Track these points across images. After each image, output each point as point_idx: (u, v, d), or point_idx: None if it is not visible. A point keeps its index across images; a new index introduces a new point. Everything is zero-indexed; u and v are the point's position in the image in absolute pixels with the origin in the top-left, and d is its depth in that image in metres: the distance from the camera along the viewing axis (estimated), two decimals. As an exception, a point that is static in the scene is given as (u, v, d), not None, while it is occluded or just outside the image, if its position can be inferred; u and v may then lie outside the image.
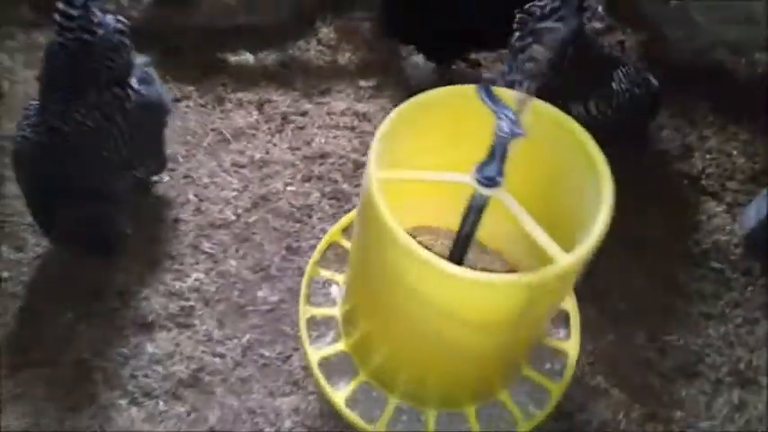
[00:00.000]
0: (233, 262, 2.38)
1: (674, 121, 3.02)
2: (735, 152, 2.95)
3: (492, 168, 1.57)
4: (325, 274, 2.22)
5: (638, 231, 2.62)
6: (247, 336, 2.21)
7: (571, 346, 2.19)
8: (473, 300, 1.48)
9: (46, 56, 2.02)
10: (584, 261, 1.51)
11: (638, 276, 2.52)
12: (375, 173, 1.45)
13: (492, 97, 1.58)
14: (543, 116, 1.68)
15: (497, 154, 1.54)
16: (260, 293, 2.30)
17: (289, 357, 2.12)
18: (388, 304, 1.71)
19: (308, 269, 2.20)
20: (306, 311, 2.11)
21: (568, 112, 1.70)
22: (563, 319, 2.31)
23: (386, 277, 1.62)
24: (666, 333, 2.42)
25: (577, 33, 2.41)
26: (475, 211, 1.66)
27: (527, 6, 2.39)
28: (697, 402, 2.27)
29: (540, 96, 1.62)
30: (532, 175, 1.71)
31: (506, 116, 1.51)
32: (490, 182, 1.58)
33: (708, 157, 2.93)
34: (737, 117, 3.03)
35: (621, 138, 2.61)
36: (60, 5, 1.91)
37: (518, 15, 2.39)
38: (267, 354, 2.18)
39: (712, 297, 2.51)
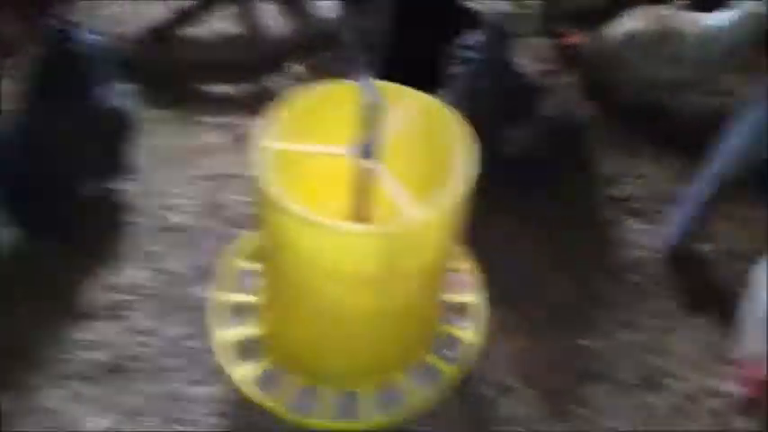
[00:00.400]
0: (174, 262, 2.55)
1: (613, 151, 3.20)
2: (664, 179, 3.09)
3: (365, 139, 1.69)
4: (246, 264, 2.31)
5: (564, 245, 2.78)
6: (176, 329, 2.34)
7: (470, 334, 2.31)
8: (341, 251, 1.63)
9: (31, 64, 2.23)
10: (442, 218, 1.70)
11: (560, 286, 2.65)
12: (260, 142, 1.66)
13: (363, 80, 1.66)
14: (422, 107, 1.88)
15: (367, 124, 1.65)
16: (194, 290, 2.45)
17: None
18: (281, 273, 1.87)
19: (227, 259, 2.31)
20: (219, 296, 2.21)
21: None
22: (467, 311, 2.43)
23: (275, 243, 1.78)
24: (580, 338, 2.51)
25: (495, 65, 2.66)
26: (359, 183, 1.78)
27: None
28: (603, 402, 2.33)
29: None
30: (416, 163, 1.90)
31: (368, 87, 1.62)
32: (366, 153, 1.75)
33: (638, 182, 3.09)
34: (670, 148, 3.20)
35: (554, 163, 2.83)
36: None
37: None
38: (193, 345, 2.30)
39: (629, 307, 2.61)
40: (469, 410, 2.25)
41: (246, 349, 2.21)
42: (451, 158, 1.76)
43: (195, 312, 2.36)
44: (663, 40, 3.05)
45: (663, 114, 3.38)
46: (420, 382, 2.21)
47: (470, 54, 2.61)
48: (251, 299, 2.30)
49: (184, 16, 3.41)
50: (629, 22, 3.16)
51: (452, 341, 2.33)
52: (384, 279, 1.71)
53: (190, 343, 2.30)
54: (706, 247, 2.81)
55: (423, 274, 1.83)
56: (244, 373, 2.05)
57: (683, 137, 3.19)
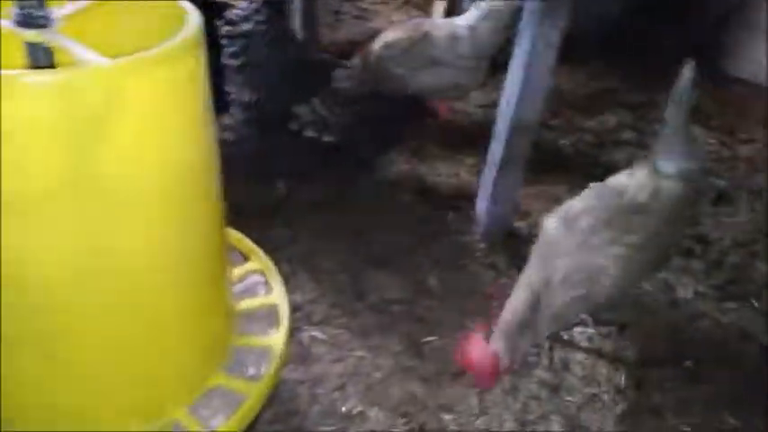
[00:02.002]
0: None
1: (404, 148, 3.00)
2: (463, 172, 2.90)
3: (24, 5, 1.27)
4: None
5: (383, 245, 2.43)
6: None
7: (276, 340, 1.66)
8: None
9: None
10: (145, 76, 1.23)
11: (389, 286, 2.25)
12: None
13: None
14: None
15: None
16: None
17: None
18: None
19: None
20: None
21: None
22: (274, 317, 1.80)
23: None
24: (423, 336, 2.00)
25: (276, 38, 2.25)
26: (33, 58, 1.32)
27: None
28: (468, 401, 1.81)
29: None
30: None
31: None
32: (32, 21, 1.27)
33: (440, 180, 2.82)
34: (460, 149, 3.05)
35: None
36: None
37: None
38: None
39: (464, 294, 2.23)
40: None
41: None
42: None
43: None
44: (413, 45, 2.99)
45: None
46: (209, 413, 1.45)
47: (245, 26, 2.14)
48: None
49: None
50: (390, 34, 3.05)
51: (255, 354, 1.64)
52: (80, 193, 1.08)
53: None
54: (521, 225, 2.59)
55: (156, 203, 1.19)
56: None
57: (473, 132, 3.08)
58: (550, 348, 2.07)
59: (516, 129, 2.32)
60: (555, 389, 1.94)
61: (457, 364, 1.78)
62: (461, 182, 2.86)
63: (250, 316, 1.79)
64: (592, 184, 1.95)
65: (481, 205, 2.54)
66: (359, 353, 1.96)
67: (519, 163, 2.42)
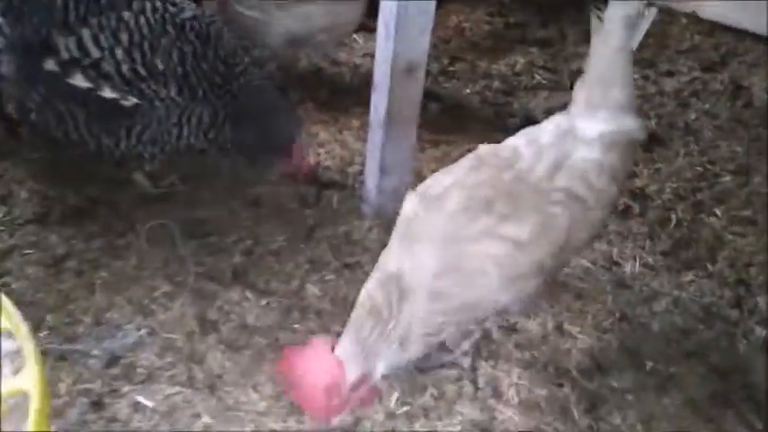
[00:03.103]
0: None
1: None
2: (349, 137, 2.26)
3: None
4: None
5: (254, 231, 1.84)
6: None
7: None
8: None
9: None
10: None
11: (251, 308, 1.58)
12: None
13: None
14: None
15: None
16: None
17: None
18: None
19: None
20: None
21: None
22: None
23: None
24: None
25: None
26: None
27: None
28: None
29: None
30: None
31: None
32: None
33: (321, 150, 2.15)
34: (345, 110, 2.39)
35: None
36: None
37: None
38: None
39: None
40: None
41: None
42: None
43: None
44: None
45: (329, 81, 2.58)
46: None
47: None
48: None
49: None
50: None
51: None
52: None
53: None
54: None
55: None
56: None
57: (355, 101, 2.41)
58: (473, 367, 1.50)
59: (400, 70, 1.68)
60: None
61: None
62: (347, 151, 2.22)
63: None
64: (480, 146, 1.39)
65: (370, 179, 1.91)
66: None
67: (409, 117, 1.80)
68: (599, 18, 1.37)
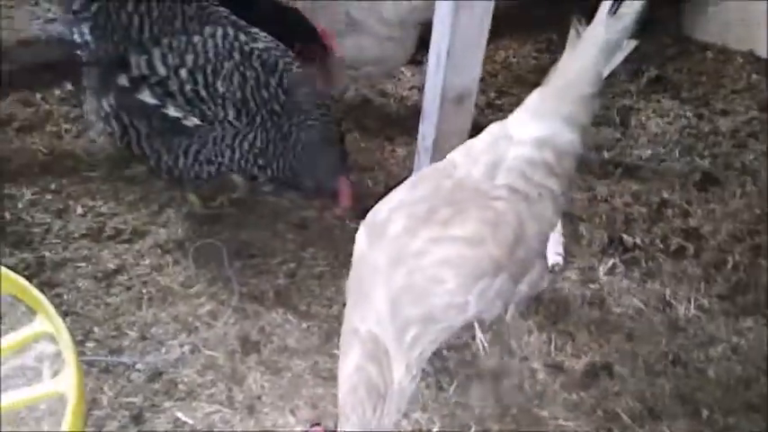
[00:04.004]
0: None
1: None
2: (393, 165, 2.24)
3: None
4: None
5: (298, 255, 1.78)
6: None
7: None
8: None
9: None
10: None
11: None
12: None
13: None
14: None
15: None
16: None
17: None
18: None
19: None
20: None
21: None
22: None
23: None
24: None
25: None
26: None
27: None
28: None
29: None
30: None
31: None
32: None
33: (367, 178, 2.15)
34: (391, 139, 2.37)
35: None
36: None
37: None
38: None
39: None
40: None
41: None
42: None
43: None
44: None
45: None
46: None
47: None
48: None
49: None
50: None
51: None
52: None
53: None
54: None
55: None
56: None
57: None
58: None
59: (449, 101, 1.68)
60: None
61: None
62: (392, 179, 2.21)
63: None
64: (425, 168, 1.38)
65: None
66: None
67: (456, 147, 1.79)
68: (577, 32, 1.31)
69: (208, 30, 1.69)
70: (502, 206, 1.21)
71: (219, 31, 1.70)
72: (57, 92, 2.45)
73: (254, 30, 1.78)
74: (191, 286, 1.72)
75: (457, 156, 1.31)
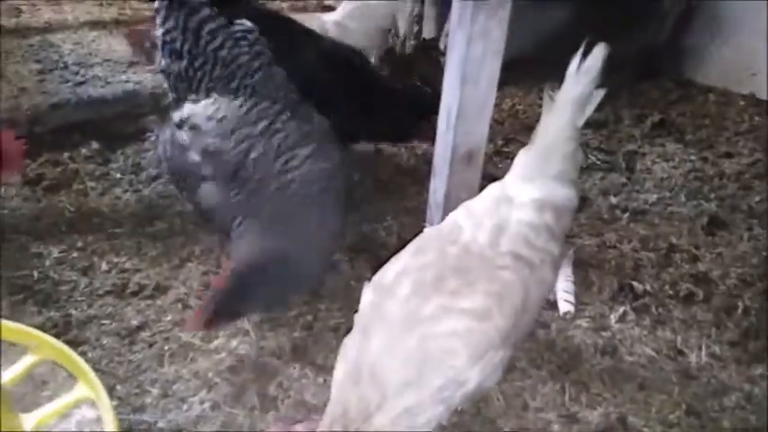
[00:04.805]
0: None
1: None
2: (403, 219, 2.27)
3: None
4: None
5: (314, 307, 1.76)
6: None
7: None
8: None
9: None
10: None
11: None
12: None
13: None
14: None
15: None
16: None
17: None
18: None
19: None
20: None
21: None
22: None
23: None
24: None
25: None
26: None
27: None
28: None
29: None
30: None
31: None
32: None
33: (379, 227, 2.18)
34: (403, 189, 2.42)
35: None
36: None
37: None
38: None
39: None
40: None
41: None
42: None
43: None
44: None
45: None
46: None
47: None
48: None
49: None
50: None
51: None
52: None
53: None
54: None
55: None
56: None
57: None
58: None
59: (459, 158, 1.73)
60: None
61: None
62: (406, 230, 2.25)
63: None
64: (425, 229, 1.41)
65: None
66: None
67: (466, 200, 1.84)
68: (550, 97, 1.36)
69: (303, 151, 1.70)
70: (508, 276, 1.23)
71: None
72: (83, 150, 2.56)
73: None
74: (210, 341, 1.75)
75: (460, 218, 1.34)
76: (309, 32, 2.30)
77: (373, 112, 2.21)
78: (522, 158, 1.38)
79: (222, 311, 1.50)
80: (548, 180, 1.33)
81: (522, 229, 1.28)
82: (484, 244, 1.26)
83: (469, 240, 1.27)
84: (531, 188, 1.32)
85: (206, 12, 1.72)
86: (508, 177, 1.38)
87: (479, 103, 1.68)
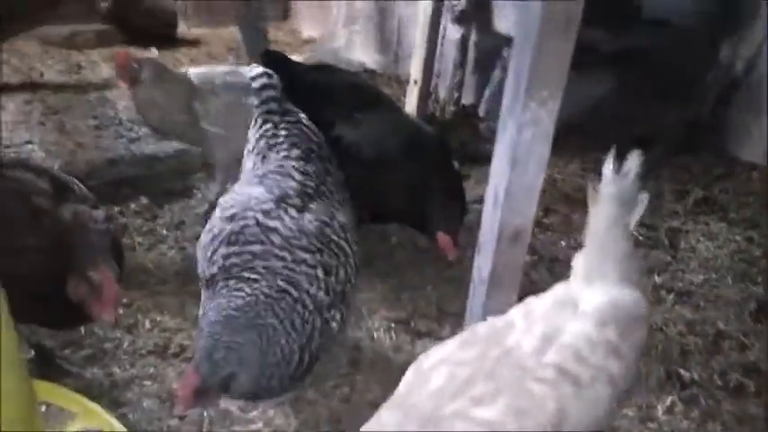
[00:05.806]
0: None
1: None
2: (445, 286, 2.25)
3: None
4: None
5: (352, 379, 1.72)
6: None
7: None
8: None
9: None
10: None
11: None
12: None
13: None
14: None
15: None
16: None
17: None
18: None
19: None
20: None
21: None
22: None
23: None
24: None
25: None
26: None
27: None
28: None
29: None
30: None
31: None
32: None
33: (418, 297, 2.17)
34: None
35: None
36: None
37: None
38: None
39: None
40: None
41: None
42: None
43: None
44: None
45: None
46: None
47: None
48: None
49: None
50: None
51: None
52: None
53: None
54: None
55: None
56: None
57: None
58: None
59: (506, 237, 1.73)
60: None
61: None
62: (437, 305, 2.24)
63: None
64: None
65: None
66: None
67: (512, 281, 1.81)
68: (595, 190, 1.33)
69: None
70: (540, 391, 1.14)
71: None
72: (132, 205, 2.64)
73: None
74: (248, 411, 1.74)
75: (517, 317, 1.29)
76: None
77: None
78: (580, 260, 1.35)
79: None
80: (609, 283, 1.29)
81: (577, 341, 1.20)
82: (528, 351, 1.19)
83: (513, 345, 1.20)
84: (593, 293, 1.28)
85: None
86: (572, 279, 1.35)
87: (527, 185, 1.69)
